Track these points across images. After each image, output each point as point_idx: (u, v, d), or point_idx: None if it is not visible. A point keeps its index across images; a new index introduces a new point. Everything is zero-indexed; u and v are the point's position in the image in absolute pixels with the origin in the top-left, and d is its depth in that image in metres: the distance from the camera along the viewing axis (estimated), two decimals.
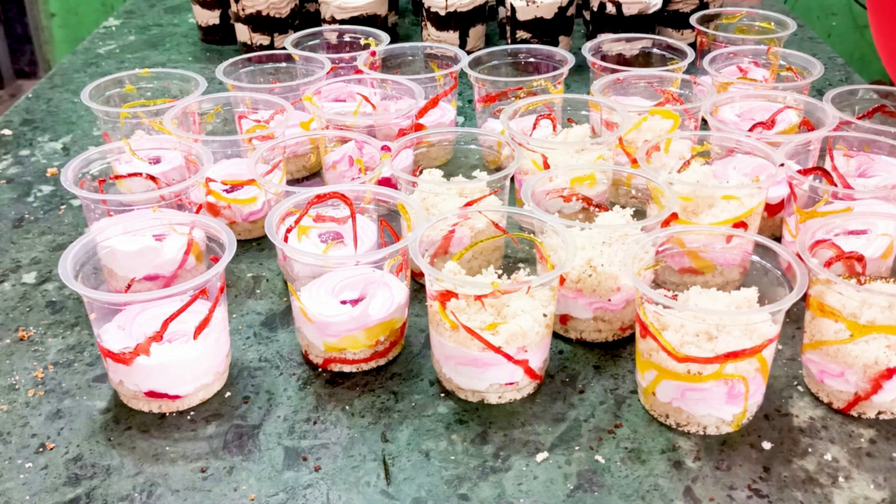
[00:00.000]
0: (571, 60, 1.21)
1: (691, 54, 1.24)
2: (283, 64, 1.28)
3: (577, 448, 0.75)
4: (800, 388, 0.82)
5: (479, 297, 0.77)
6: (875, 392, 0.76)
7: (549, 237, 0.83)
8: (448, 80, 1.21)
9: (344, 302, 0.83)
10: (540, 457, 0.75)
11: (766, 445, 0.75)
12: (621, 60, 1.33)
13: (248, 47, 1.58)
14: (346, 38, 1.37)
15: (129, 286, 0.90)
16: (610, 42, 1.33)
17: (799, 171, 0.92)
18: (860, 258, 0.83)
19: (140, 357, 0.77)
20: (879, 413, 0.78)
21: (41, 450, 0.76)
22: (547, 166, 0.99)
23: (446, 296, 0.78)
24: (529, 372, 0.79)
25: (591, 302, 0.85)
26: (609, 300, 0.85)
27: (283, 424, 0.78)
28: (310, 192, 0.87)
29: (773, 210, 1.02)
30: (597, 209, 0.94)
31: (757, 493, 0.71)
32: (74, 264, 0.79)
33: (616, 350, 0.87)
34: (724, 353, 0.72)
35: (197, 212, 0.95)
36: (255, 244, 1.06)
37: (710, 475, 0.73)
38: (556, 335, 0.89)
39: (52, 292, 0.97)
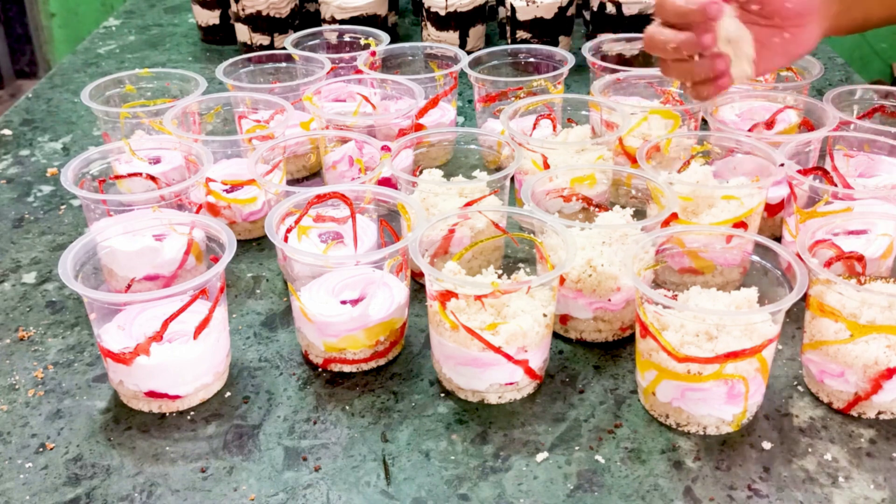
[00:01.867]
0: (571, 60, 1.21)
1: None
2: (283, 64, 1.28)
3: (577, 448, 0.76)
4: (800, 388, 0.82)
5: (479, 297, 0.77)
6: (875, 392, 0.76)
7: (549, 237, 0.83)
8: (448, 80, 1.21)
9: (344, 302, 0.83)
10: (540, 457, 0.75)
11: (766, 445, 0.75)
12: (621, 60, 1.32)
13: (248, 47, 1.58)
14: (346, 38, 1.37)
15: (129, 286, 0.90)
16: (610, 42, 1.33)
17: (799, 171, 0.92)
18: (860, 258, 0.83)
19: (140, 357, 0.77)
20: (879, 413, 0.78)
21: (41, 450, 0.76)
22: (547, 166, 0.99)
23: (446, 296, 0.78)
24: (529, 372, 0.79)
25: (591, 302, 0.85)
26: (609, 300, 0.85)
27: (283, 424, 0.78)
28: (310, 192, 0.87)
29: (773, 210, 1.02)
30: (597, 209, 0.95)
31: (757, 493, 0.71)
32: (74, 264, 0.79)
33: (616, 350, 0.87)
34: (724, 353, 0.72)
35: (197, 212, 0.95)
36: (255, 244, 1.06)
37: (710, 475, 0.73)
38: (556, 335, 0.89)
39: (52, 292, 0.97)
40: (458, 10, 1.52)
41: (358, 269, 0.85)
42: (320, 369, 0.85)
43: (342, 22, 1.53)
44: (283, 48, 1.28)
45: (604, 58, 1.29)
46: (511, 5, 1.49)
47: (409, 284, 0.86)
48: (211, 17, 1.66)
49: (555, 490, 0.72)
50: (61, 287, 0.97)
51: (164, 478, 0.73)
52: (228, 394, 0.82)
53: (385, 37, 1.31)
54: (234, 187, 1.04)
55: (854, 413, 0.78)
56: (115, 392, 0.82)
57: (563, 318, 0.88)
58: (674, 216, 0.91)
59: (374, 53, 1.25)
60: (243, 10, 1.55)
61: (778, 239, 1.00)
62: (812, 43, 0.92)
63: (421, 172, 0.98)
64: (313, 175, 1.20)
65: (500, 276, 0.83)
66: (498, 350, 0.77)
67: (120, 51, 1.68)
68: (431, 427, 0.78)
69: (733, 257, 0.88)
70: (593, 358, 0.86)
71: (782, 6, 0.89)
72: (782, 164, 0.92)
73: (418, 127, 1.15)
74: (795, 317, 0.89)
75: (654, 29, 0.90)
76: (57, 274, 0.89)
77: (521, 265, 0.88)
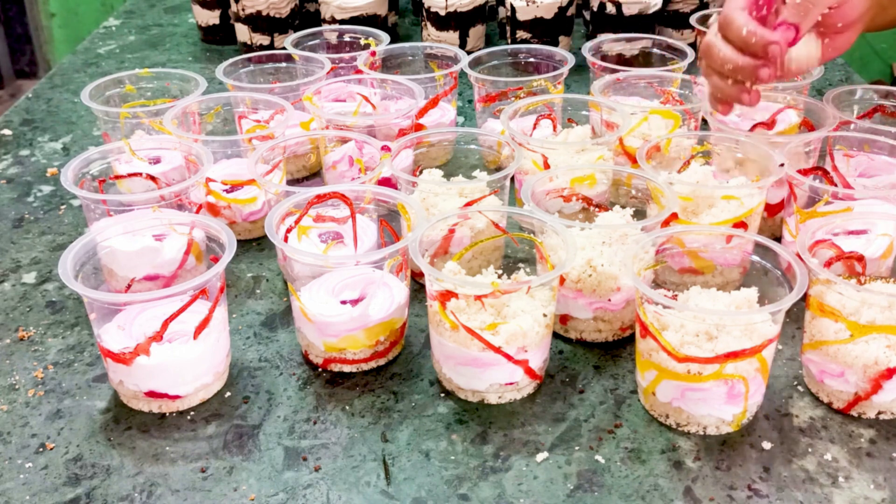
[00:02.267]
0: (571, 60, 1.21)
1: (691, 54, 1.24)
2: (283, 64, 1.28)
3: (577, 448, 0.76)
4: (800, 388, 0.82)
5: (479, 297, 0.77)
6: (875, 392, 0.76)
7: (549, 237, 0.83)
8: (448, 80, 1.21)
9: (344, 302, 0.83)
10: (540, 457, 0.75)
11: (766, 445, 0.76)
12: (621, 60, 1.32)
13: (248, 47, 1.58)
14: (346, 38, 1.37)
15: (129, 286, 0.90)
16: (610, 42, 1.33)
17: (799, 171, 0.92)
18: (860, 258, 0.83)
19: (140, 357, 0.77)
20: (879, 413, 0.78)
21: (41, 450, 0.76)
22: (547, 166, 0.99)
23: (446, 296, 0.78)
24: (529, 372, 0.79)
25: (591, 302, 0.85)
26: (609, 300, 0.85)
27: (283, 424, 0.78)
28: (310, 192, 0.87)
29: (773, 210, 1.02)
30: (597, 209, 0.95)
31: (757, 493, 0.71)
32: (74, 264, 0.79)
33: (616, 350, 0.87)
34: (724, 353, 0.72)
35: (197, 212, 0.95)
36: (255, 244, 1.06)
37: (710, 475, 0.73)
38: (556, 335, 0.89)
39: (52, 292, 0.97)
40: (458, 10, 1.52)
41: (358, 269, 0.85)
42: (320, 369, 0.85)
43: (342, 22, 1.53)
44: (283, 48, 1.28)
45: (604, 58, 1.29)
46: (511, 5, 1.49)
47: (409, 284, 0.86)
48: (211, 17, 1.66)
49: (555, 490, 0.72)
50: (61, 287, 0.97)
51: (164, 478, 0.73)
52: (228, 394, 0.82)
53: (385, 37, 1.31)
54: (234, 187, 1.04)
55: (854, 413, 0.78)
56: (115, 392, 0.82)
57: (563, 318, 0.88)
58: (674, 216, 0.91)
59: (374, 53, 1.25)
60: (243, 10, 1.55)
61: (778, 239, 1.00)
62: (847, 47, 0.92)
63: (421, 172, 0.98)
64: (313, 175, 1.20)
65: (500, 276, 0.83)
66: (498, 350, 0.77)
67: (120, 51, 1.68)
68: (431, 427, 0.78)
69: (733, 257, 0.88)
70: (593, 358, 0.86)
71: (833, 24, 0.89)
72: (782, 164, 0.92)
73: (418, 127, 1.15)
74: (795, 317, 0.89)
75: (718, 42, 0.87)
76: (57, 274, 0.89)
77: (521, 265, 0.88)
